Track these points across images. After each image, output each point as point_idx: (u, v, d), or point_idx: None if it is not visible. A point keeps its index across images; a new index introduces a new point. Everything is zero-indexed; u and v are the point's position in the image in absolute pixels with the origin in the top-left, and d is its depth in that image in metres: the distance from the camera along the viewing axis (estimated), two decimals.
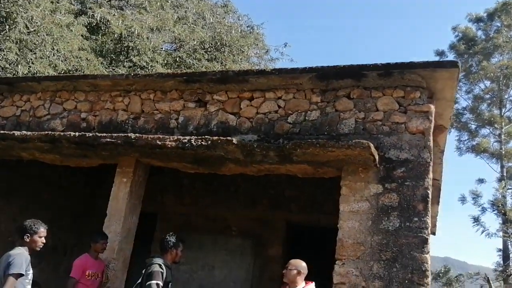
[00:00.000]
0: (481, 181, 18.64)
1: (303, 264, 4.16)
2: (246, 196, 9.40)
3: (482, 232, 17.04)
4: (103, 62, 13.90)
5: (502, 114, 19.15)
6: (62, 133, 5.72)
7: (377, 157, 4.90)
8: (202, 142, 5.13)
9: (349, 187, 5.09)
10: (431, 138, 5.12)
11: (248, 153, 5.17)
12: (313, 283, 4.15)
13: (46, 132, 5.89)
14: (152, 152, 5.55)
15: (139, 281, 4.38)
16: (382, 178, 5.03)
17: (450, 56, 20.94)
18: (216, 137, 5.17)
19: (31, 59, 11.22)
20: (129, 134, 5.47)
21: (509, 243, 16.61)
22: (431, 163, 5.01)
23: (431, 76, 5.19)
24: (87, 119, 6.56)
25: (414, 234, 4.73)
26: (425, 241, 4.69)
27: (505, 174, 18.13)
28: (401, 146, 5.11)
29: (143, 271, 4.39)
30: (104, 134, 5.56)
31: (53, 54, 11.90)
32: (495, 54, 20.34)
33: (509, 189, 17.70)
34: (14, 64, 10.98)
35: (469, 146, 19.78)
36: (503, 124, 18.65)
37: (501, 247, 17.09)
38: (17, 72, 10.65)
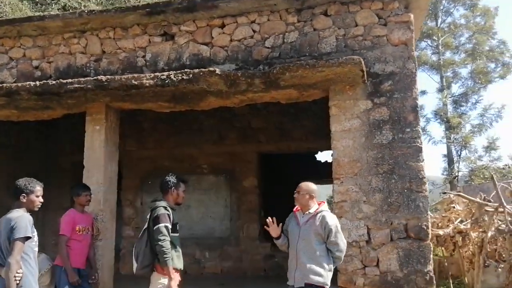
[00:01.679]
0: (423, 92, 19.44)
1: (313, 187, 4.09)
2: (212, 132, 9.23)
3: (429, 141, 18.04)
4: (28, 5, 12.56)
5: (438, 25, 19.70)
6: (20, 84, 5.13)
7: (365, 73, 4.83)
8: (183, 76, 4.79)
9: (338, 107, 5.03)
10: (414, 48, 5.08)
11: (232, 83, 4.92)
12: (325, 202, 4.12)
13: (0, 85, 5.26)
14: (126, 94, 5.14)
15: (145, 226, 4.16)
16: (370, 94, 5.00)
17: None
18: (198, 70, 4.84)
19: None
20: (99, 77, 5.01)
21: (453, 148, 17.75)
22: (417, 73, 5.02)
23: None
24: (40, 67, 5.92)
25: (408, 145, 4.81)
26: (419, 150, 4.79)
27: (444, 84, 18.99)
28: (385, 59, 5.05)
29: (148, 216, 4.17)
30: (70, 80, 5.05)
31: None
32: None
33: (449, 97, 18.64)
34: None
35: None
36: (439, 35, 19.24)
37: (445, 152, 18.27)
38: None
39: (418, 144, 4.80)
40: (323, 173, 10.97)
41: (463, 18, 19.91)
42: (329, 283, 3.95)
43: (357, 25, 5.21)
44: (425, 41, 19.93)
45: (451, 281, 6.60)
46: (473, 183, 15.61)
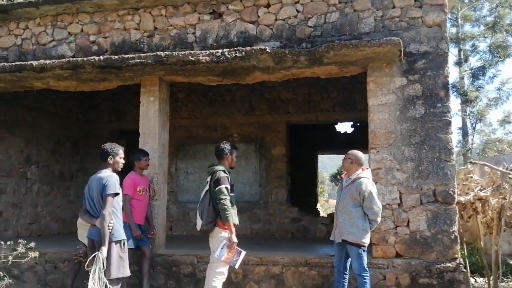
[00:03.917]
0: None
1: (358, 154, 4.61)
2: (243, 103, 9.74)
3: None
4: None
5: None
6: (85, 59, 5.65)
7: (402, 53, 5.27)
8: (237, 54, 5.27)
9: (376, 83, 5.51)
10: (447, 29, 5.50)
11: (279, 60, 5.39)
12: (369, 169, 4.64)
13: (67, 59, 5.79)
14: (180, 69, 5.64)
15: (207, 188, 4.72)
16: (405, 71, 5.46)
17: None
18: (249, 48, 5.32)
19: None
20: (158, 53, 5.51)
21: (468, 121, 18.13)
22: (449, 53, 5.45)
23: None
24: (97, 41, 6.43)
25: (438, 119, 5.31)
26: (448, 124, 5.28)
27: (462, 57, 19.17)
28: (420, 39, 5.48)
29: (209, 179, 4.73)
30: (131, 55, 5.56)
31: None
32: None
33: (465, 71, 18.85)
34: None
35: None
36: (459, 8, 19.28)
37: (460, 125, 18.65)
38: None
39: (448, 118, 5.29)
40: (342, 143, 11.55)
41: None
42: (365, 241, 4.49)
43: (395, 7, 5.62)
44: None
45: (465, 247, 7.18)
46: (486, 155, 16.05)
